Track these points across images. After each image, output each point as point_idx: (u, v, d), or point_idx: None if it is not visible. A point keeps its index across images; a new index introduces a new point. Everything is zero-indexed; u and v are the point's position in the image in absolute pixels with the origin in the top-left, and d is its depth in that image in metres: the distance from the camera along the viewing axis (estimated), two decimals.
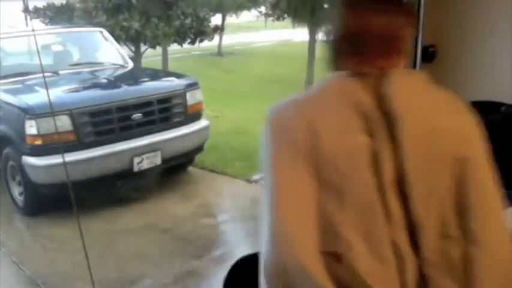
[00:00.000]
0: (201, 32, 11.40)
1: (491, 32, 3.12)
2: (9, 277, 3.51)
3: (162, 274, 3.44)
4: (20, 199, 4.60)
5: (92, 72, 5.53)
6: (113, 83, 5.36)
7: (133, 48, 10.69)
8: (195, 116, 5.10)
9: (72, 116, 4.28)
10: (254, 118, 7.74)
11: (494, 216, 1.16)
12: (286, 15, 13.61)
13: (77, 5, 10.30)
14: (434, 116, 1.14)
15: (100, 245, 3.79)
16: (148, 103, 4.73)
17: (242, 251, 2.30)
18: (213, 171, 5.53)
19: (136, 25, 9.69)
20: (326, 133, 1.04)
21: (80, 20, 9.72)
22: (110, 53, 6.09)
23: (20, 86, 4.91)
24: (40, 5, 10.94)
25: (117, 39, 7.80)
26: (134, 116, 4.60)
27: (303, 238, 1.01)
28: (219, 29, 16.25)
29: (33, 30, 6.49)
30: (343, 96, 1.08)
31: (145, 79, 5.75)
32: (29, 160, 4.25)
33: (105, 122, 4.49)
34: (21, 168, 4.37)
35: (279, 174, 1.05)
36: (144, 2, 9.96)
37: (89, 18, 9.62)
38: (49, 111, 3.82)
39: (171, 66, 11.40)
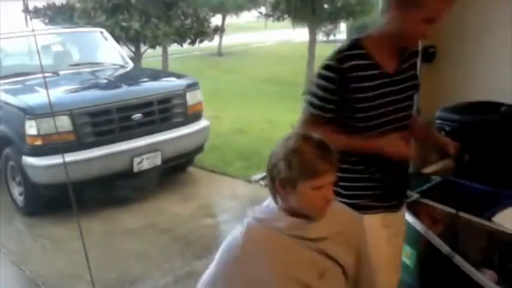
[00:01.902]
0: (201, 32, 11.39)
1: (490, 32, 3.12)
2: (9, 277, 3.51)
3: (162, 274, 3.44)
4: (20, 199, 4.60)
5: (92, 73, 5.53)
6: (113, 83, 5.36)
7: (133, 49, 10.69)
8: (195, 116, 5.10)
9: (72, 116, 4.28)
10: (254, 118, 7.76)
11: None
12: (286, 16, 13.60)
13: (77, 4, 10.28)
14: None
15: (100, 245, 3.80)
16: (149, 103, 4.73)
17: None
18: (213, 171, 5.54)
19: (136, 25, 9.69)
20: None
21: (80, 20, 9.72)
22: (110, 53, 6.09)
23: (20, 86, 4.91)
24: (40, 5, 10.93)
25: (117, 39, 7.80)
26: (134, 116, 4.60)
27: None
28: (219, 30, 16.24)
29: (33, 30, 6.48)
30: None
31: (145, 79, 5.75)
32: (29, 160, 4.25)
33: (105, 122, 4.49)
34: (21, 169, 4.37)
35: None
36: (143, 2, 9.96)
37: (88, 19, 9.61)
38: (49, 111, 3.82)
39: (171, 67, 11.40)
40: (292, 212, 1.46)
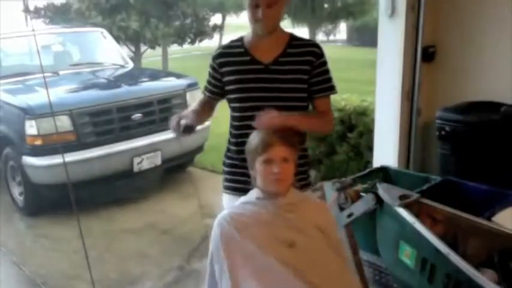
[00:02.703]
0: (201, 32, 11.41)
1: (491, 32, 3.12)
2: (9, 277, 3.51)
3: (163, 274, 3.44)
4: (20, 199, 4.60)
5: (92, 73, 5.53)
6: (113, 83, 5.36)
7: (133, 49, 10.70)
8: None
9: (72, 116, 4.28)
10: None
11: None
12: (286, 15, 13.61)
13: (75, 5, 10.29)
14: None
15: (100, 245, 3.80)
16: (149, 103, 4.73)
17: None
18: (213, 171, 5.54)
19: (134, 25, 9.69)
20: None
21: (76, 21, 9.72)
22: (110, 53, 6.09)
23: (20, 86, 4.91)
24: (40, 5, 10.94)
25: (117, 39, 7.81)
26: (134, 116, 4.60)
27: None
28: (219, 29, 16.23)
29: (33, 30, 6.48)
30: None
31: (145, 79, 5.75)
32: (29, 160, 4.25)
33: (105, 122, 4.49)
34: (21, 169, 4.37)
35: None
36: (143, 2, 9.96)
37: (83, 19, 9.61)
38: (49, 111, 3.82)
39: (171, 67, 11.40)
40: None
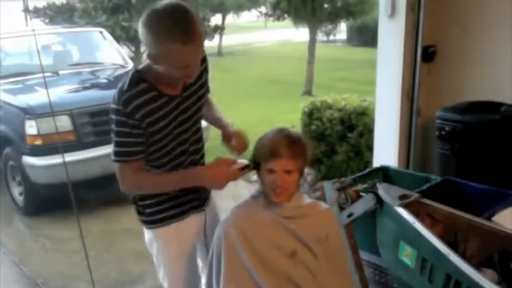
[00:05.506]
0: None
1: (491, 32, 3.12)
2: (9, 277, 3.51)
3: None
4: (20, 199, 4.60)
5: (92, 72, 5.53)
6: (113, 83, 5.35)
7: (133, 49, 10.70)
8: None
9: (72, 116, 4.28)
10: (254, 118, 7.75)
11: None
12: (286, 15, 13.61)
13: (77, 4, 10.31)
14: None
15: (100, 245, 3.80)
16: None
17: None
18: None
19: (136, 25, 9.71)
20: None
21: (80, 20, 9.73)
22: (110, 53, 6.08)
23: (20, 86, 4.91)
24: (40, 5, 10.95)
25: (118, 39, 7.81)
26: None
27: None
28: (219, 29, 16.24)
29: (33, 30, 6.48)
30: None
31: None
32: (29, 160, 4.25)
33: (105, 122, 4.44)
34: (21, 168, 4.37)
35: None
36: (144, 2, 9.97)
37: (89, 18, 9.63)
38: (49, 111, 3.82)
39: None
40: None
